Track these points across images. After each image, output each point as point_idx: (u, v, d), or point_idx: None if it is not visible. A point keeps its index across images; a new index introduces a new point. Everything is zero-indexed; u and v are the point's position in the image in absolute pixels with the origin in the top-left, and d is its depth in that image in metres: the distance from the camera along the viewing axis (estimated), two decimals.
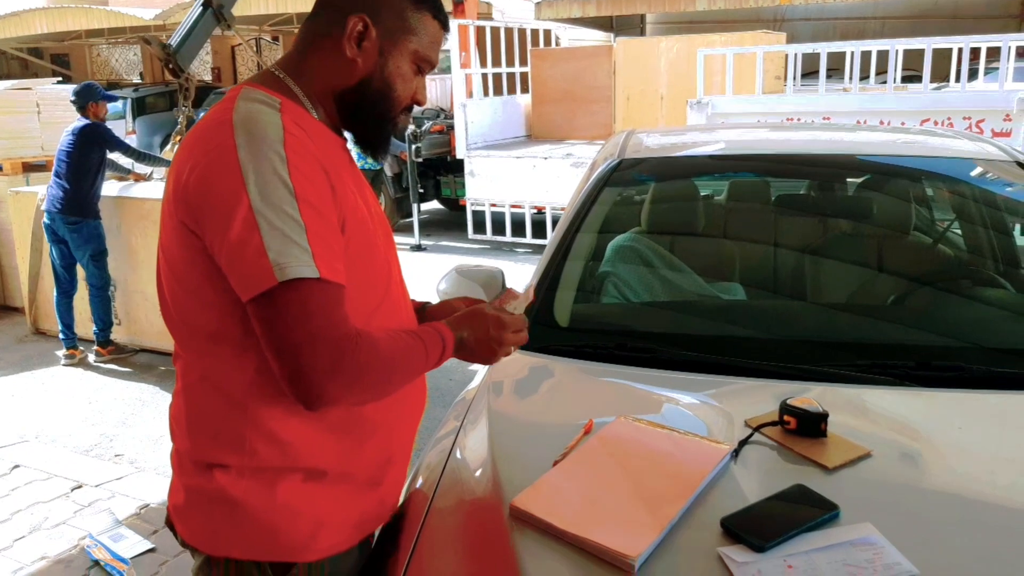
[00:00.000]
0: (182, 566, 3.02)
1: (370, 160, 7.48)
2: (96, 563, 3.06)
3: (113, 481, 3.72)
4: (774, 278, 2.39)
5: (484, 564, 1.26)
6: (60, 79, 9.03)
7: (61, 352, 5.36)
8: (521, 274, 2.37)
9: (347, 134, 1.39)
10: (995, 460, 1.50)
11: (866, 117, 6.25)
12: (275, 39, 20.18)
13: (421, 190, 9.06)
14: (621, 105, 8.95)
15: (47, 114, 6.81)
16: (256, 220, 1.11)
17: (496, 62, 9.30)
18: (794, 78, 7.50)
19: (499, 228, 8.51)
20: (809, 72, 8.72)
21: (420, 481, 1.55)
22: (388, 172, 9.17)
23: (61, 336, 5.36)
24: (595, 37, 14.49)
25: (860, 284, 2.32)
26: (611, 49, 9.31)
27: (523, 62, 9.76)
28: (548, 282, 2.20)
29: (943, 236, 2.69)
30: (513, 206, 8.40)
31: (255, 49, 20.39)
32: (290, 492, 1.26)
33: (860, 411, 1.64)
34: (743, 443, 1.46)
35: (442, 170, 9.56)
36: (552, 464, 1.42)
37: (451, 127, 9.05)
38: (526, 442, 1.61)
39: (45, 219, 5.20)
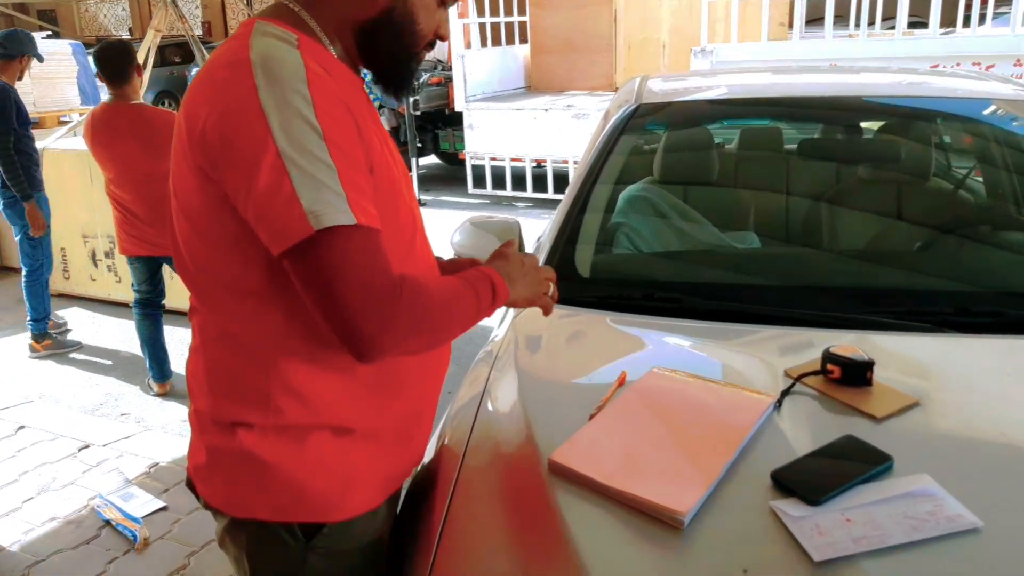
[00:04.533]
0: (195, 524, 2.99)
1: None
2: (107, 523, 3.03)
3: (121, 440, 3.69)
4: (802, 226, 2.32)
5: (524, 520, 1.21)
6: (48, 34, 8.84)
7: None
8: (524, 228, 2.34)
9: (365, 73, 1.31)
10: None
11: (874, 63, 6.12)
12: None
13: (419, 144, 8.93)
14: (622, 54, 8.78)
15: (36, 69, 6.64)
16: (285, 166, 1.03)
17: (494, 11, 9.09)
18: (800, 25, 7.34)
19: (499, 182, 8.38)
20: (814, 19, 8.55)
21: (448, 438, 1.50)
22: (385, 126, 9.02)
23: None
24: None
25: (889, 229, 2.26)
26: None
27: (521, 11, 9.54)
28: (568, 233, 2.13)
29: (969, 179, 2.62)
30: (513, 159, 8.26)
31: (246, 2, 20.02)
32: (319, 449, 1.20)
33: (901, 359, 1.58)
34: (785, 393, 1.41)
35: (440, 123, 9.41)
36: (588, 418, 1.37)
37: (449, 79, 8.88)
38: (558, 395, 1.55)
39: None
